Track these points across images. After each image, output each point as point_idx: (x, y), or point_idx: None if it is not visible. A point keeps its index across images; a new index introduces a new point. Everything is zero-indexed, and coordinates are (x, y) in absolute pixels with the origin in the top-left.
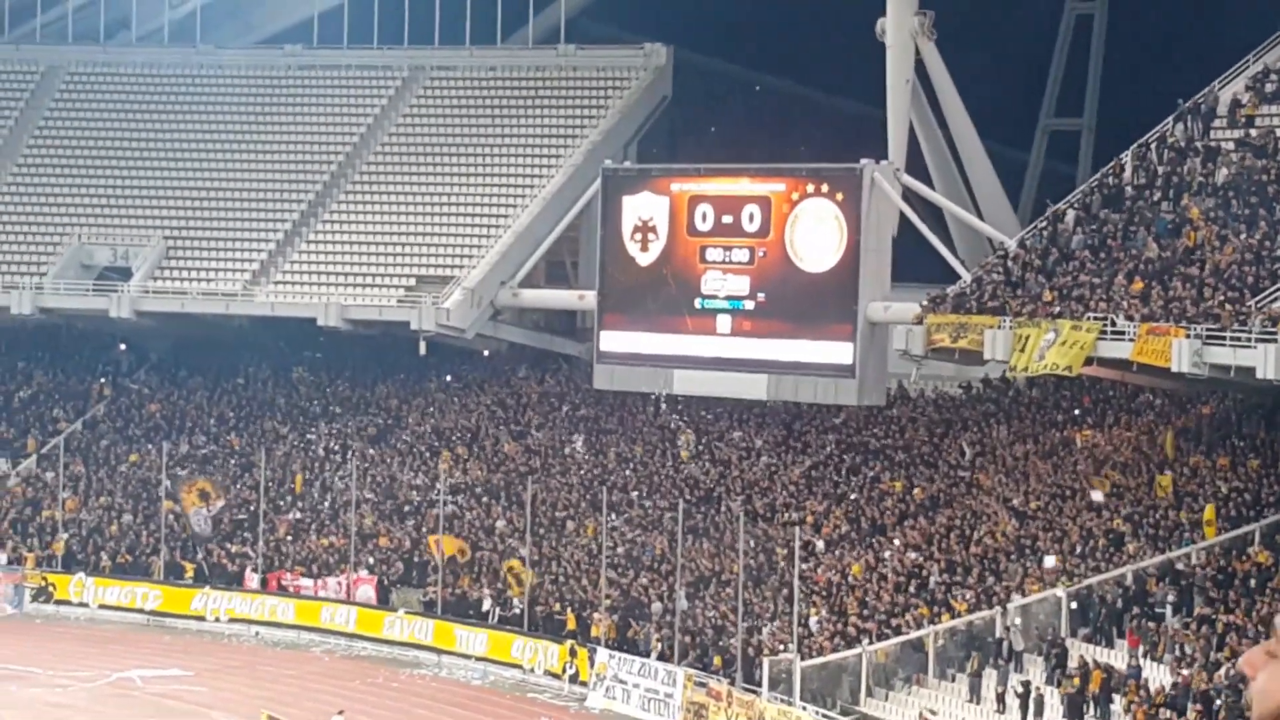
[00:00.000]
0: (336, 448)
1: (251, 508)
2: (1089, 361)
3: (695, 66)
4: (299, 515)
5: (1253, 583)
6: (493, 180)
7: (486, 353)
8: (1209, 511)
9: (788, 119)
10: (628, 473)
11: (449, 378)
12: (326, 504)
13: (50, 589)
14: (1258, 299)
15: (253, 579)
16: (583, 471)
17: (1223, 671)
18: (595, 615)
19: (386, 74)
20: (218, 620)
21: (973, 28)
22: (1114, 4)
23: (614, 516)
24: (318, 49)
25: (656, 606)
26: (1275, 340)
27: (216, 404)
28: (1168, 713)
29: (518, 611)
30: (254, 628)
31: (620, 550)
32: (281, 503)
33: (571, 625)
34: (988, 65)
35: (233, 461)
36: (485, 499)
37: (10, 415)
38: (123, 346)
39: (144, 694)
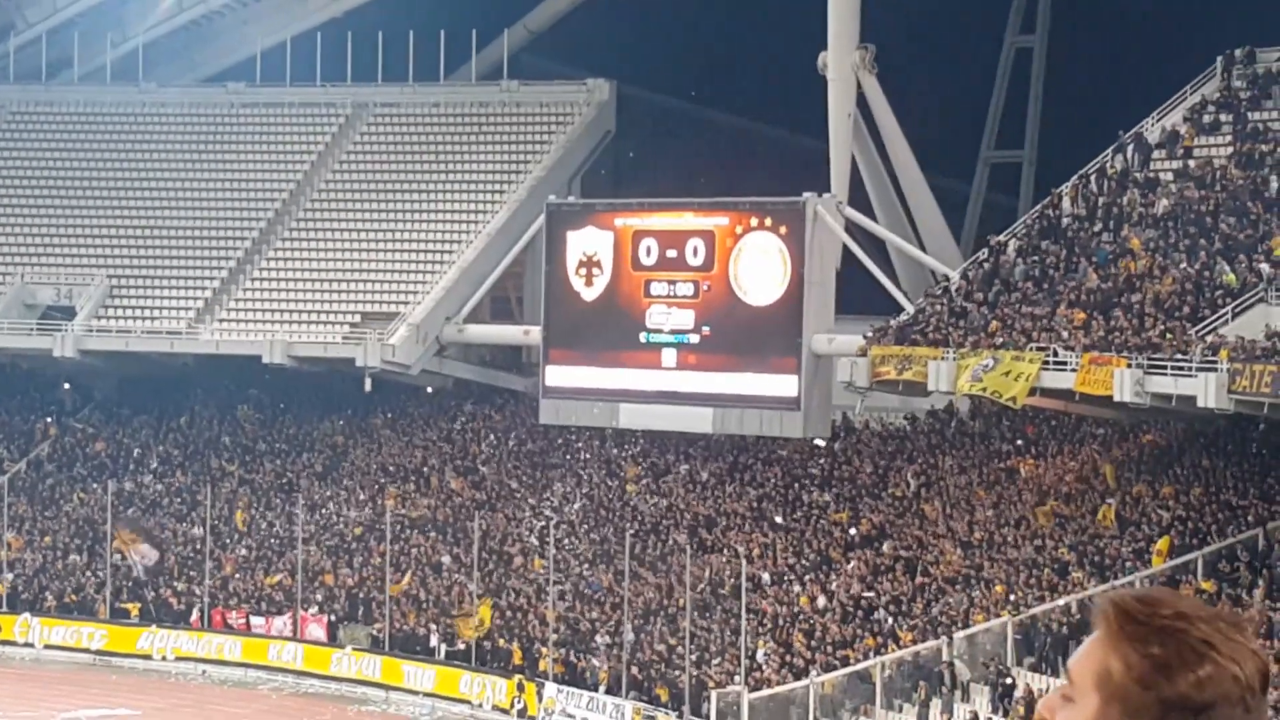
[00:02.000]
0: (283, 484)
1: (197, 546)
2: (1032, 392)
3: (639, 101)
4: (245, 552)
5: None
6: (437, 216)
7: (431, 389)
8: (1163, 543)
9: (731, 153)
10: (574, 507)
11: (394, 414)
12: (273, 541)
13: None
14: (1198, 328)
15: (198, 618)
16: (529, 506)
17: None
18: (542, 649)
19: (330, 111)
20: (164, 659)
21: (913, 61)
22: (1053, 37)
23: (560, 550)
24: (260, 86)
25: (604, 640)
26: (1216, 369)
27: (162, 442)
28: None
29: (463, 647)
30: (201, 666)
31: (567, 584)
32: (228, 540)
33: (519, 659)
34: (929, 98)
35: (178, 500)
36: (431, 534)
37: None
38: (67, 386)
39: None
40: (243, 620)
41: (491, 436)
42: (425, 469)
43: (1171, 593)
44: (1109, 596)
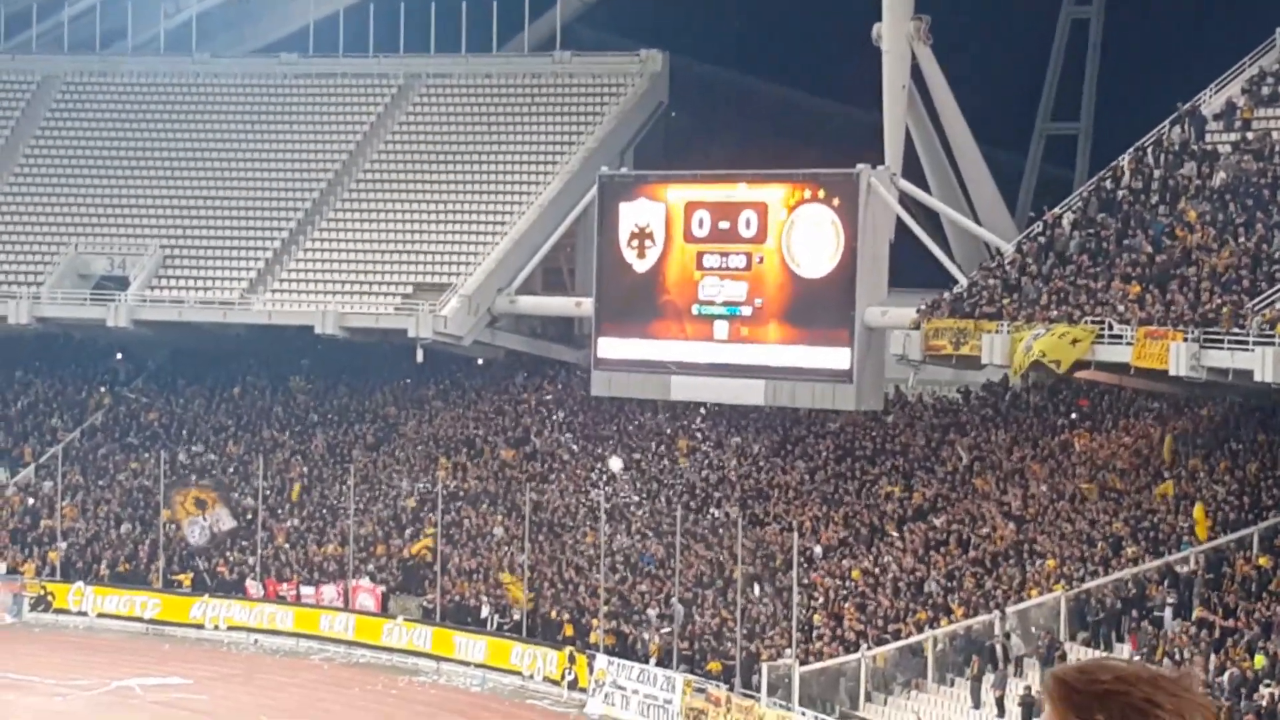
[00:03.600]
0: (335, 455)
1: (250, 516)
2: (1086, 365)
3: (692, 73)
4: (297, 523)
5: (1252, 586)
6: (489, 187)
7: (483, 360)
8: (1198, 511)
9: (784, 125)
10: (625, 479)
11: (446, 385)
12: (324, 512)
13: (49, 598)
14: (1255, 302)
15: (252, 587)
16: (580, 478)
17: (1225, 677)
18: (594, 621)
19: (382, 82)
20: (217, 628)
21: (969, 32)
22: (1110, 8)
23: (612, 523)
24: (313, 57)
25: (655, 612)
26: (1273, 343)
27: (214, 412)
28: None
29: (516, 619)
30: (253, 636)
31: (618, 556)
32: (280, 511)
33: (570, 632)
34: (984, 70)
35: (230, 470)
36: (483, 506)
37: (8, 425)
38: (120, 356)
39: (144, 702)
40: (294, 590)
41: (543, 408)
42: (477, 440)
43: (1109, 660)
44: (1050, 672)
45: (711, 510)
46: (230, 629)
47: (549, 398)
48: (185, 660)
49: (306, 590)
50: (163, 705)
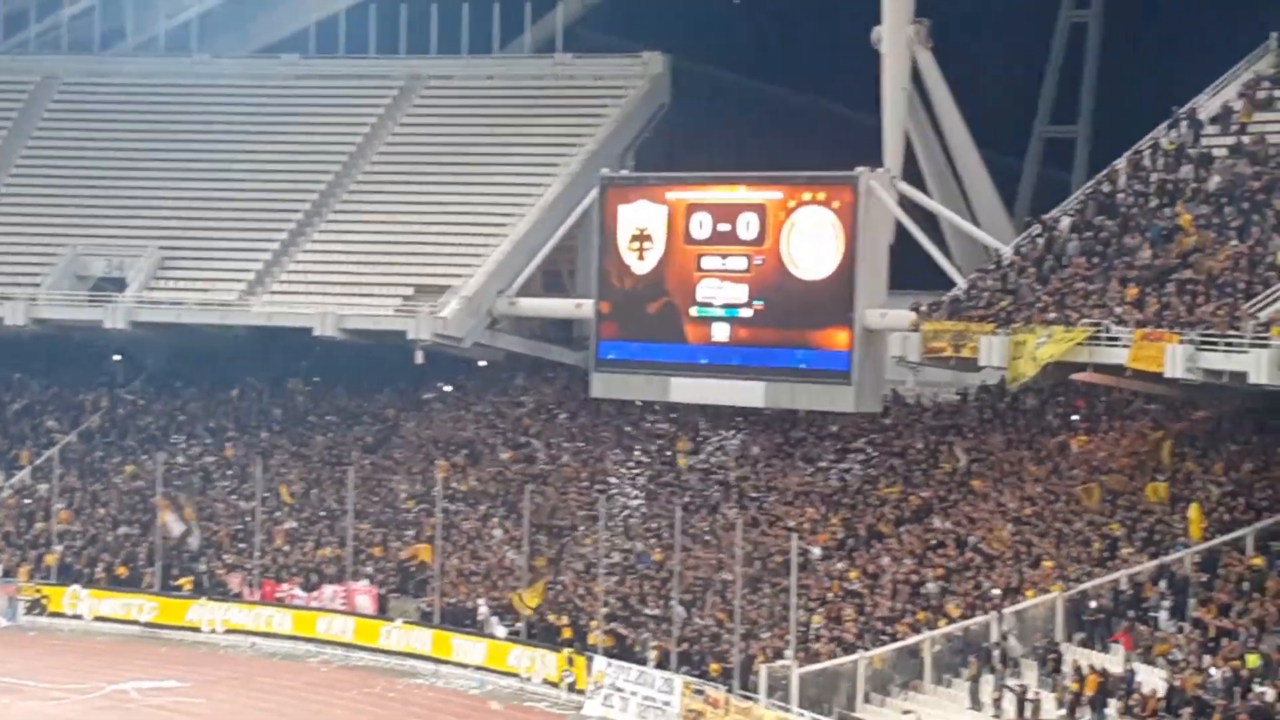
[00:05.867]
0: (334, 457)
1: (248, 519)
2: (1083, 368)
3: (693, 75)
4: (295, 525)
5: (1246, 586)
6: (490, 189)
7: (483, 362)
8: (1194, 511)
9: (784, 127)
10: (624, 481)
11: (446, 387)
12: (323, 514)
13: (44, 601)
14: (1250, 304)
15: (249, 590)
16: (581, 479)
17: (1218, 675)
18: (593, 623)
19: (383, 83)
20: (214, 631)
21: (968, 36)
22: (1109, 12)
23: (611, 524)
24: (314, 58)
25: (654, 614)
26: (1268, 345)
27: (213, 414)
28: (1163, 716)
29: (517, 627)
30: (250, 638)
31: (617, 558)
32: (278, 513)
33: (568, 634)
34: (983, 73)
35: (229, 472)
36: (483, 508)
37: (4, 427)
38: (118, 357)
39: (140, 705)
40: (292, 593)
41: (543, 410)
42: (476, 442)
43: None
44: None
45: (711, 512)
46: (228, 632)
47: (549, 399)
48: (182, 663)
49: (306, 593)
50: (159, 709)
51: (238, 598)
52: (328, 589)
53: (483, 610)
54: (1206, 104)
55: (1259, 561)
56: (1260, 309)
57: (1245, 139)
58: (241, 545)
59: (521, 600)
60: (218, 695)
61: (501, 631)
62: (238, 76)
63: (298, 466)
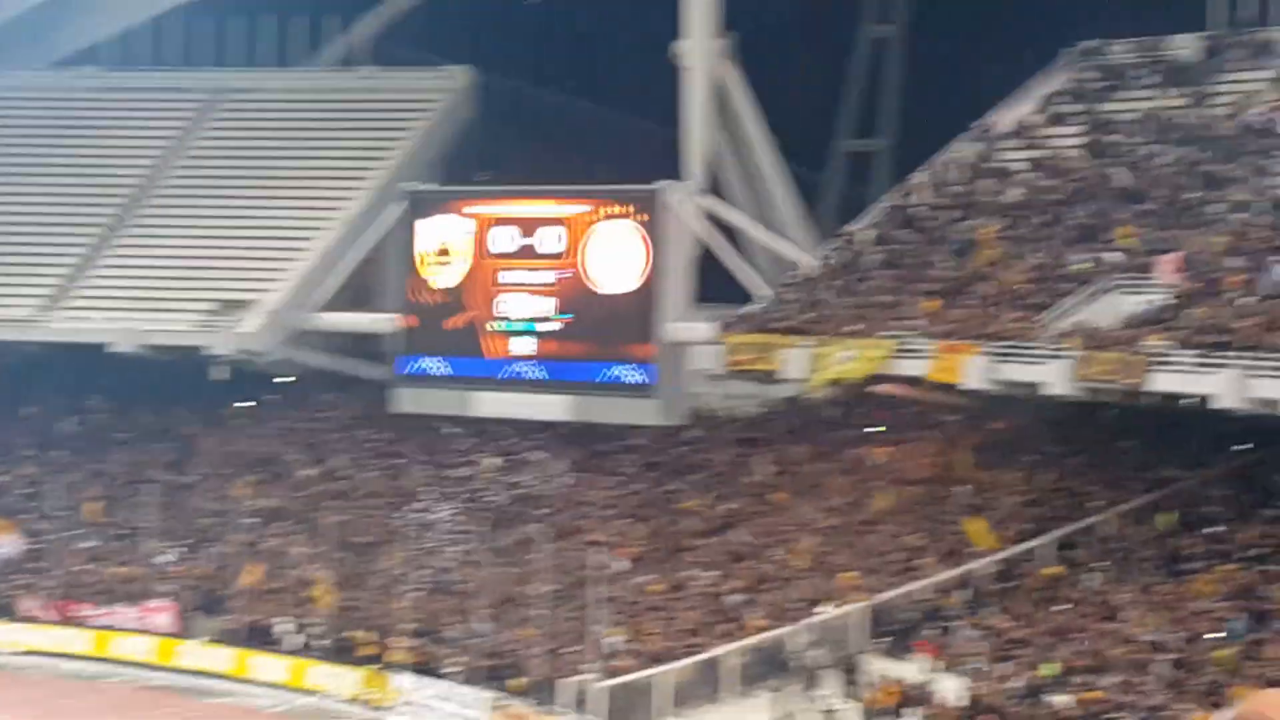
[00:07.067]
0: (133, 476)
1: (46, 537)
2: (884, 379)
3: (498, 89)
4: (94, 544)
5: (1043, 594)
6: (293, 203)
7: (286, 377)
8: (976, 524)
9: (591, 141)
10: (429, 496)
11: (248, 403)
12: (123, 533)
13: None
14: (1046, 316)
15: (46, 610)
16: (384, 495)
17: (1023, 683)
18: (396, 640)
19: (186, 96)
20: (13, 654)
21: (771, 49)
22: (909, 27)
23: (415, 540)
24: (116, 70)
25: (458, 629)
26: (1064, 357)
27: (7, 431)
28: None
29: (313, 640)
30: (47, 659)
31: (421, 574)
32: (77, 532)
33: (372, 650)
34: (786, 87)
35: (26, 491)
36: (285, 524)
37: None
38: None
39: None
40: (90, 613)
41: (346, 425)
42: (278, 459)
43: None
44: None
45: (515, 526)
46: (28, 654)
47: (352, 415)
48: None
49: (104, 612)
50: None
51: (33, 619)
52: (126, 608)
53: (283, 628)
54: (1005, 118)
55: (1055, 570)
56: (1056, 321)
57: (1041, 153)
58: (39, 565)
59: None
60: (16, 716)
61: (300, 643)
62: (36, 89)
63: (96, 485)
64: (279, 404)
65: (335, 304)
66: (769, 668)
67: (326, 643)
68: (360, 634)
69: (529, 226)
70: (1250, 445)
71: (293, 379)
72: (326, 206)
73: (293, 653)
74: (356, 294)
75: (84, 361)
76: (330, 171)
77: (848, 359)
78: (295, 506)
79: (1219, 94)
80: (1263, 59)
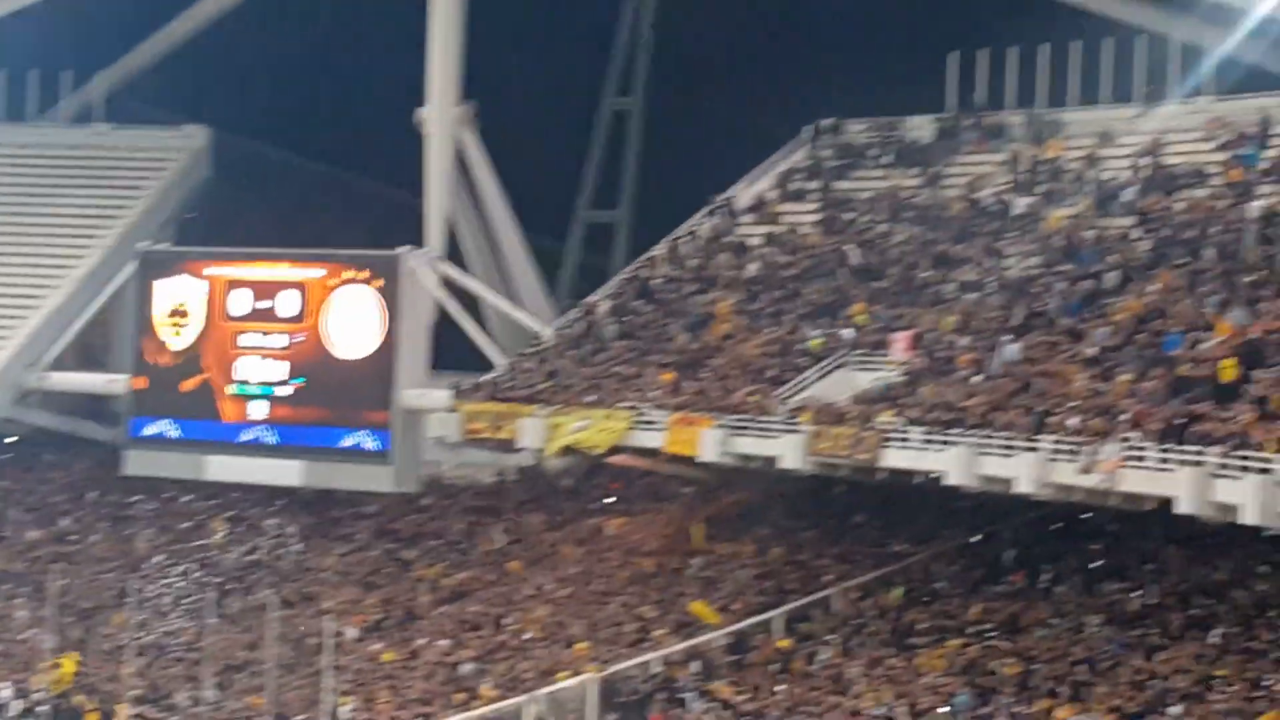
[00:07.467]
0: None
1: None
2: (620, 451)
3: (236, 149)
4: None
5: (775, 668)
6: (22, 260)
7: (11, 438)
8: (704, 605)
9: (330, 204)
10: (157, 561)
11: None
12: None
13: None
14: (781, 390)
15: None
16: (112, 559)
17: None
18: (120, 706)
19: None
20: None
21: (513, 119)
22: (649, 101)
23: (142, 605)
24: None
25: (184, 697)
26: (798, 431)
27: None
28: None
29: (35, 707)
30: None
31: (149, 639)
32: None
33: (95, 718)
34: (527, 156)
35: None
36: (6, 586)
37: None
38: None
39: None
40: None
41: (73, 488)
42: (3, 520)
43: None
44: None
45: (245, 592)
46: None
47: (79, 477)
48: None
49: None
50: None
51: None
52: None
53: (4, 694)
54: (743, 193)
55: (786, 643)
56: (791, 395)
57: (779, 228)
58: None
59: (52, 677)
60: None
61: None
62: None
63: None
64: (4, 464)
65: (65, 364)
66: None
67: (48, 709)
68: (85, 699)
69: (266, 290)
70: (980, 530)
71: (15, 439)
72: (57, 265)
73: None
74: (88, 354)
75: None
76: (62, 229)
77: (582, 428)
78: (19, 568)
79: (952, 175)
80: (995, 141)
